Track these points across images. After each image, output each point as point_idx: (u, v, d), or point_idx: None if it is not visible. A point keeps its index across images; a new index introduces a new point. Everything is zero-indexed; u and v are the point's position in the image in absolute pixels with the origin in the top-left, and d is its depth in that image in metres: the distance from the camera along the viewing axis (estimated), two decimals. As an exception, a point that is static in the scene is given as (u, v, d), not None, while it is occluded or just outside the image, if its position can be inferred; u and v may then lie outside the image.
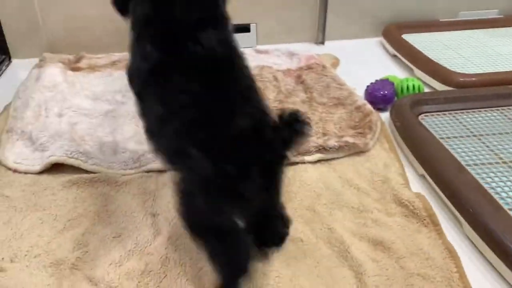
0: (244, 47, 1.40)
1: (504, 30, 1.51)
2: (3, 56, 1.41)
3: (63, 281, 0.66)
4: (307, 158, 0.91)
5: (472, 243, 0.73)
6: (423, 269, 0.68)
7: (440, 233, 0.74)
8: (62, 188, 0.84)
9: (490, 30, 1.52)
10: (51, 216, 0.78)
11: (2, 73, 1.36)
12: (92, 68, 1.31)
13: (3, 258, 0.70)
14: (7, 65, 1.40)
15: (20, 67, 1.38)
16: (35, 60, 1.33)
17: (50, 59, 1.30)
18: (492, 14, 1.60)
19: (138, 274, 0.67)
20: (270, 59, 1.37)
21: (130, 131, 0.99)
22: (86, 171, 0.89)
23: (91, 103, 1.12)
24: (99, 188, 0.84)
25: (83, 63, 1.34)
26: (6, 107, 1.13)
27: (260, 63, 1.33)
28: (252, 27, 1.50)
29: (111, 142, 0.96)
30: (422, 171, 0.87)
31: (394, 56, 1.41)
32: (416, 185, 0.86)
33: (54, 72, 1.22)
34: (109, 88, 1.19)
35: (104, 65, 1.32)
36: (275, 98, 1.13)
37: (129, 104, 1.09)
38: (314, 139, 0.94)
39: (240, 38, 1.50)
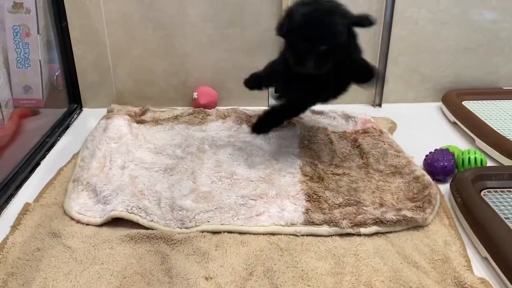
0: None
1: None
2: (75, 105, 1.52)
3: None
4: (363, 230, 0.90)
5: None
6: None
7: None
8: (120, 243, 0.87)
9: (558, 100, 1.46)
10: (108, 271, 0.80)
11: (73, 121, 1.46)
12: (156, 121, 1.38)
13: (62, 311, 0.72)
14: (78, 113, 1.50)
15: (90, 115, 1.47)
16: (104, 110, 1.43)
17: (117, 111, 1.38)
18: (560, 83, 1.55)
19: None
20: (325, 120, 1.38)
21: (187, 188, 1.02)
22: (144, 227, 0.92)
23: (153, 156, 1.18)
24: (155, 245, 0.86)
25: (147, 116, 1.41)
26: (74, 156, 1.20)
27: (315, 124, 1.34)
28: (309, 87, 1.53)
29: (169, 198, 0.99)
30: (485, 253, 0.83)
31: (454, 123, 1.38)
32: (479, 268, 0.82)
33: (121, 124, 1.29)
34: (170, 142, 1.24)
35: (166, 119, 1.39)
36: (331, 162, 1.13)
37: (188, 159, 1.13)
38: (371, 211, 0.93)
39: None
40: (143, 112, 1.43)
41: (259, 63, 1.49)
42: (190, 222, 0.92)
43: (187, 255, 0.84)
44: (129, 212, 0.93)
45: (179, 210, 0.95)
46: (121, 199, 0.96)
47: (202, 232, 0.90)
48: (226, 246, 0.86)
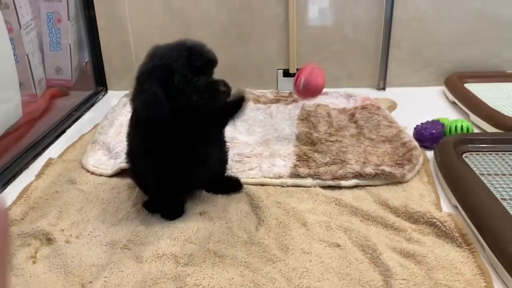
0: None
1: None
2: (101, 87, 1.67)
3: (113, 256, 0.78)
4: (344, 182, 0.97)
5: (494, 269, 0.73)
6: (451, 281, 0.70)
7: (473, 252, 0.76)
8: (127, 188, 0.99)
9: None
10: (114, 208, 0.92)
11: (98, 101, 1.61)
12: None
13: (71, 235, 0.84)
14: (103, 95, 1.65)
15: (114, 96, 1.62)
16: (127, 92, 1.57)
17: (137, 91, 1.52)
18: None
19: (180, 257, 0.77)
20: (328, 99, 1.46)
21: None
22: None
23: (164, 126, 1.29)
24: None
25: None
26: (95, 126, 1.34)
27: (319, 102, 1.43)
28: (316, 71, 1.62)
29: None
30: (455, 201, 0.89)
31: (453, 103, 1.43)
32: (449, 214, 0.88)
33: (138, 101, 1.42)
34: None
35: (180, 98, 1.51)
36: (325, 131, 1.21)
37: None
38: (352, 166, 1.00)
39: (303, 82, 1.59)
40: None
41: (267, 47, 1.60)
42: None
43: (188, 200, 0.94)
44: (136, 165, 1.04)
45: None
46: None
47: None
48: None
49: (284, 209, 0.90)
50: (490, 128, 1.20)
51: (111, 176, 1.05)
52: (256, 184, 0.99)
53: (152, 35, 1.62)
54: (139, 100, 0.79)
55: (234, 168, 1.03)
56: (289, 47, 1.58)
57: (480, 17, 1.53)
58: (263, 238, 0.81)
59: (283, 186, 0.98)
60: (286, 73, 1.62)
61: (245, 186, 0.98)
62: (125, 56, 1.65)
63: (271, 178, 1.00)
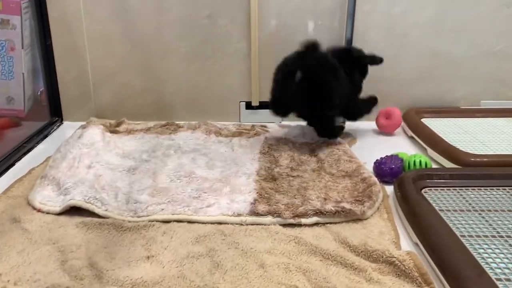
0: (269, 122, 1.52)
1: (528, 120, 1.53)
2: (56, 118, 1.61)
3: (54, 305, 0.71)
4: (304, 220, 0.95)
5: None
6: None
7: None
8: (74, 228, 0.93)
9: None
10: (59, 249, 0.85)
11: (52, 132, 1.54)
12: (129, 131, 1.46)
13: (8, 281, 0.77)
14: (58, 126, 1.59)
15: (69, 127, 1.55)
16: (83, 123, 1.51)
17: (94, 122, 1.47)
18: (516, 104, 1.63)
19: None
20: (291, 131, 1.46)
21: (146, 185, 1.08)
22: (100, 216, 0.97)
23: (120, 159, 1.24)
24: (105, 231, 0.92)
25: (121, 128, 1.49)
26: (47, 159, 1.27)
27: (281, 135, 1.42)
28: (278, 104, 1.62)
29: (126, 193, 1.05)
30: (416, 239, 0.88)
31: (411, 137, 1.45)
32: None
33: (95, 132, 1.36)
34: (138, 148, 1.32)
35: (139, 130, 1.47)
36: (287, 165, 1.19)
37: (152, 162, 1.20)
38: (313, 202, 0.98)
39: (268, 114, 1.60)
40: (118, 124, 1.51)
41: (230, 81, 1.60)
42: (142, 212, 0.97)
43: (134, 239, 0.89)
44: (86, 202, 0.99)
45: (134, 203, 1.01)
46: (80, 190, 1.02)
47: (153, 221, 0.95)
48: (172, 233, 0.92)
49: (242, 250, 0.86)
50: (447, 163, 1.21)
51: (59, 214, 0.98)
52: (213, 223, 0.96)
53: (111, 65, 1.58)
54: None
55: (192, 206, 0.99)
56: (252, 80, 1.58)
57: (435, 55, 1.58)
58: (218, 283, 0.76)
59: (242, 225, 0.95)
60: (249, 106, 1.61)
61: (200, 225, 0.94)
62: (83, 86, 1.60)
63: (230, 216, 0.96)
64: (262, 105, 1.61)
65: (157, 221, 0.95)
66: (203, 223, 0.96)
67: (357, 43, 1.55)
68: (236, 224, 0.95)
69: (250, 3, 1.48)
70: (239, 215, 0.97)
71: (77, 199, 0.99)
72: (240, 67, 1.58)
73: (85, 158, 1.20)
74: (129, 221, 0.95)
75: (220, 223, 0.96)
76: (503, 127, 1.46)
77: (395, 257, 0.80)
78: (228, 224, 0.95)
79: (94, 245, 0.87)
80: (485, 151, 1.26)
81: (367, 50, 1.55)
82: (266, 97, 1.59)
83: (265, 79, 1.59)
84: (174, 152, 1.28)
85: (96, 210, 0.98)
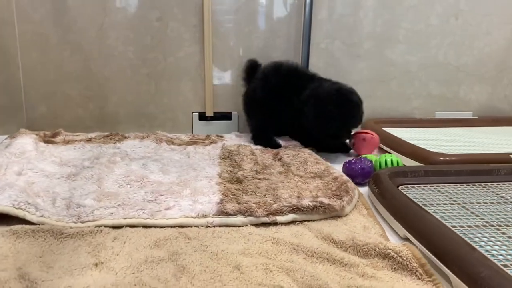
0: (227, 133, 1.42)
1: (478, 128, 1.54)
2: (-21, 131, 1.39)
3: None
4: (279, 218, 0.84)
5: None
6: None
7: (437, 283, 0.65)
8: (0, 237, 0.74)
9: (466, 128, 1.55)
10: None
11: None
12: (66, 142, 1.28)
13: None
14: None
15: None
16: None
17: (25, 132, 1.28)
18: (467, 115, 1.66)
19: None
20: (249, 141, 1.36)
21: (89, 191, 0.92)
22: (33, 223, 0.80)
23: (57, 167, 1.07)
24: (40, 239, 0.74)
25: (58, 139, 1.31)
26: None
27: (240, 142, 1.32)
28: (234, 115, 1.52)
29: (66, 198, 0.88)
30: (405, 233, 0.79)
31: (374, 145, 1.40)
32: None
33: (26, 142, 1.18)
34: (79, 156, 1.15)
35: (79, 140, 1.29)
36: (251, 169, 1.08)
37: (96, 168, 1.04)
38: (288, 199, 0.88)
39: (223, 125, 1.51)
40: (54, 135, 1.33)
41: (182, 88, 1.48)
42: (87, 216, 0.81)
43: (77, 246, 0.73)
44: (15, 208, 0.81)
45: (77, 207, 0.84)
46: (8, 194, 0.84)
47: (100, 226, 0.79)
48: (125, 238, 0.76)
49: (211, 252, 0.72)
50: (415, 164, 1.16)
51: (-21, 223, 0.79)
52: (174, 226, 0.81)
53: (47, 71, 1.42)
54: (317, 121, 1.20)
55: (147, 209, 0.84)
56: (206, 88, 1.48)
57: (390, 65, 1.58)
58: None
59: (208, 227, 0.82)
60: (202, 117, 1.50)
61: (158, 230, 0.80)
62: (13, 94, 1.41)
63: (194, 217, 0.83)
64: (217, 116, 1.51)
65: (105, 226, 0.79)
66: (161, 227, 0.81)
67: (312, 53, 1.51)
68: (202, 226, 0.82)
69: (203, 5, 1.40)
70: (204, 216, 0.83)
71: (3, 204, 0.81)
72: (193, 74, 1.48)
73: (14, 165, 1.02)
74: (71, 227, 0.78)
75: (182, 226, 0.82)
76: (458, 135, 1.46)
77: (390, 249, 0.70)
78: (191, 226, 0.81)
79: (25, 255, 0.70)
80: (450, 151, 1.24)
81: (322, 60, 1.52)
82: (221, 107, 1.50)
83: (219, 87, 1.50)
84: (121, 159, 1.12)
85: (29, 217, 0.80)
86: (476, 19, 1.57)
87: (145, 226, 0.81)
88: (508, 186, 0.99)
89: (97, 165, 1.06)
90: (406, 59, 1.58)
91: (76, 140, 1.29)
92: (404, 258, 0.69)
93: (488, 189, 0.97)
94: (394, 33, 1.55)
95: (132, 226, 0.81)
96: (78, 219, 0.81)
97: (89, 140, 1.30)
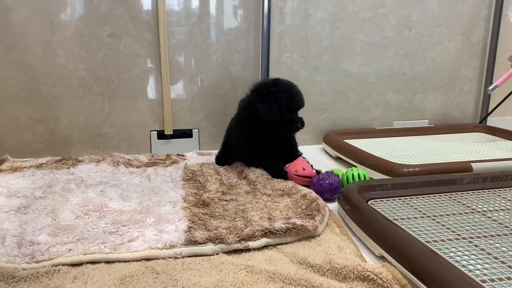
0: (188, 151, 1.37)
1: (434, 136, 1.58)
2: None
3: None
4: (252, 244, 0.80)
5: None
6: None
7: None
8: None
9: (422, 136, 1.58)
10: None
11: None
12: (14, 169, 1.18)
13: None
14: None
15: None
16: None
17: (-36, 160, 1.17)
18: (423, 123, 1.70)
19: None
20: (212, 159, 1.31)
21: (43, 224, 0.84)
22: (-22, 268, 0.71)
23: (4, 199, 0.98)
24: (-12, 285, 0.67)
25: (4, 166, 1.21)
26: None
27: (202, 161, 1.27)
28: (195, 132, 1.47)
29: (17, 235, 0.80)
30: (381, 251, 0.78)
31: (338, 158, 1.40)
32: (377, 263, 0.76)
33: (-34, 172, 1.08)
34: (28, 185, 1.06)
35: (28, 167, 1.20)
36: (217, 190, 1.04)
37: (49, 198, 0.96)
38: (259, 222, 0.84)
39: (183, 143, 1.46)
40: (0, 162, 1.23)
41: (138, 106, 1.42)
42: (42, 255, 0.74)
43: (33, 291, 0.66)
44: (-43, 250, 0.72)
45: (29, 245, 0.76)
46: None
47: (57, 265, 0.72)
48: (87, 277, 0.70)
49: (182, 287, 0.68)
50: (381, 176, 1.16)
51: None
52: (140, 259, 0.76)
53: (-11, 93, 1.31)
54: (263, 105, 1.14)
55: (109, 242, 0.78)
56: (164, 105, 1.42)
57: (349, 77, 1.59)
58: (162, 329, 0.57)
59: (177, 258, 0.76)
60: (161, 135, 1.44)
61: (122, 264, 0.74)
62: (-51, 119, 1.30)
63: (161, 249, 0.77)
64: (177, 134, 1.45)
65: (63, 264, 0.72)
66: (126, 261, 0.75)
67: (272, 66, 1.50)
68: (170, 258, 0.76)
69: (158, 19, 1.35)
70: (172, 246, 0.78)
71: None
72: (149, 91, 1.42)
73: (-46, 200, 0.92)
74: (24, 269, 0.71)
75: (148, 259, 0.76)
76: (417, 144, 1.48)
77: (369, 271, 0.68)
78: (159, 259, 0.76)
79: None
80: (413, 162, 1.25)
81: (282, 74, 1.51)
82: (181, 124, 1.45)
83: (179, 103, 1.44)
84: (77, 186, 1.05)
85: (-27, 260, 0.72)
86: (427, 30, 1.62)
87: (108, 262, 0.75)
88: (472, 195, 1.01)
89: (50, 195, 0.98)
90: (363, 70, 1.60)
91: (25, 167, 1.20)
92: (384, 280, 0.67)
93: (454, 199, 0.98)
94: (351, 45, 1.57)
95: (93, 262, 0.74)
96: (31, 258, 0.73)
97: (39, 166, 1.21)
